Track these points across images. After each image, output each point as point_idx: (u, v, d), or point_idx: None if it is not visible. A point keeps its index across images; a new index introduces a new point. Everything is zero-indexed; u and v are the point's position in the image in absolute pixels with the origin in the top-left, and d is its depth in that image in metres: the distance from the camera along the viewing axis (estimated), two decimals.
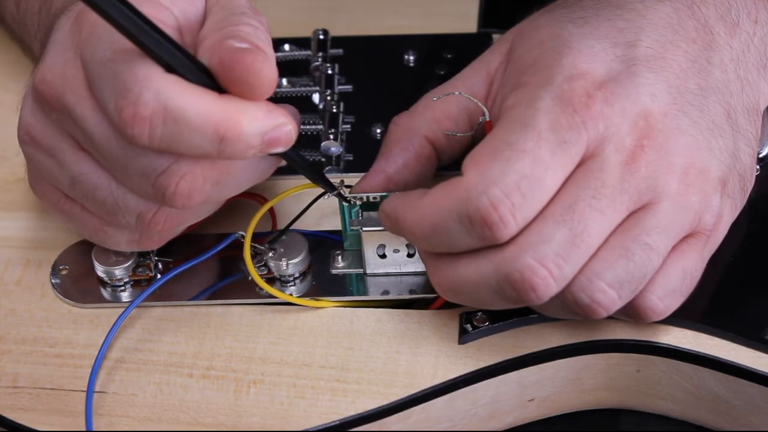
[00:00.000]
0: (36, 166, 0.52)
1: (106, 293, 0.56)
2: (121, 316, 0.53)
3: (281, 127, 0.46)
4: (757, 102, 0.52)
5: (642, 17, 0.50)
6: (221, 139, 0.45)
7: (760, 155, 0.57)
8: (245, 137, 0.46)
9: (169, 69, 0.45)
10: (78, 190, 0.50)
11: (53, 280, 0.56)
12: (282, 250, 0.55)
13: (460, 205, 0.46)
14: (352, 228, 0.55)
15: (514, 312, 0.52)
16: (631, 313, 0.49)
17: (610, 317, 0.49)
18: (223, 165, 0.48)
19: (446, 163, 0.55)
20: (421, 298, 0.55)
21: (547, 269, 0.45)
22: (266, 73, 0.45)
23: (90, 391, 0.52)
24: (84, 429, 0.51)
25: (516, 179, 0.45)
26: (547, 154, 0.45)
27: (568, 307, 0.48)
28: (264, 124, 0.46)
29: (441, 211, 0.47)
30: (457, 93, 0.52)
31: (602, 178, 0.46)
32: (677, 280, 0.49)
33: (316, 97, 0.63)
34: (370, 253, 0.55)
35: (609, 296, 0.47)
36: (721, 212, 0.49)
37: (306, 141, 0.61)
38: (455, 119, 0.53)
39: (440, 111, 0.53)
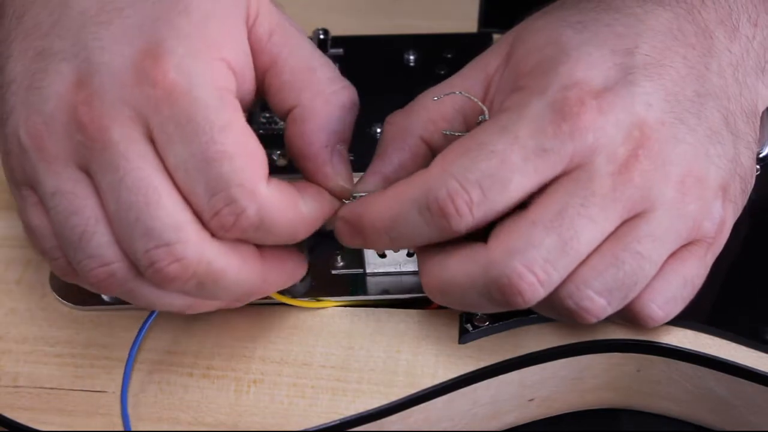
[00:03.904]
0: (20, 161, 0.47)
1: (105, 296, 0.56)
2: (148, 319, 0.53)
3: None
4: (755, 104, 0.52)
5: (641, 22, 0.49)
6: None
7: (760, 155, 0.57)
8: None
9: None
10: (53, 202, 0.46)
11: (52, 283, 0.56)
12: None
13: (421, 195, 0.47)
14: None
15: (515, 312, 0.52)
16: (630, 319, 0.50)
17: (609, 320, 0.50)
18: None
19: None
20: (421, 298, 0.55)
21: (534, 274, 0.46)
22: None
23: (124, 392, 0.52)
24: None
25: (478, 176, 0.46)
26: (517, 158, 0.46)
27: (557, 311, 0.48)
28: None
29: (402, 201, 0.47)
30: (458, 93, 0.52)
31: (592, 188, 0.46)
32: (677, 288, 0.49)
33: None
34: (370, 252, 0.55)
35: (597, 304, 0.47)
36: (723, 219, 0.49)
37: None
38: (450, 120, 0.53)
39: (436, 111, 0.53)
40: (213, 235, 0.46)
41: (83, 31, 0.46)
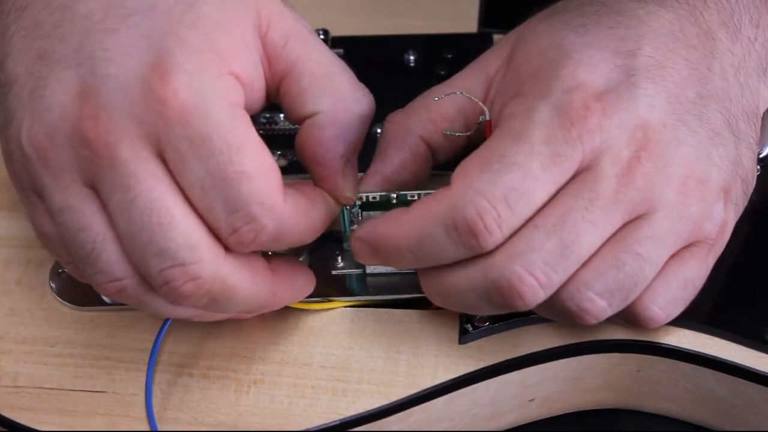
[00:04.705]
0: (25, 168, 0.47)
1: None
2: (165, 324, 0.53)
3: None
4: (757, 105, 0.52)
5: (644, 24, 0.49)
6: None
7: (761, 155, 0.57)
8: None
9: None
10: (61, 218, 0.46)
11: (52, 284, 0.56)
12: (282, 250, 0.55)
13: (447, 214, 0.46)
14: (352, 228, 0.55)
15: (515, 312, 0.52)
16: (631, 320, 0.50)
17: (610, 320, 0.50)
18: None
19: (441, 162, 0.55)
20: (421, 298, 0.55)
21: (535, 277, 0.46)
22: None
23: (149, 393, 0.52)
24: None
25: (504, 191, 0.45)
26: (538, 168, 0.46)
27: (557, 313, 0.48)
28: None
29: (428, 221, 0.47)
30: (458, 93, 0.52)
31: (596, 190, 0.46)
32: (678, 289, 0.49)
33: None
34: None
35: (598, 305, 0.47)
36: (725, 220, 0.49)
37: None
38: (451, 120, 0.53)
39: (436, 112, 0.53)
40: (226, 247, 0.46)
41: (88, 38, 0.45)
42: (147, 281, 0.46)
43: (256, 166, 0.45)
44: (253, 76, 0.47)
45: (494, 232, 0.45)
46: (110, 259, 0.46)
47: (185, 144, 0.44)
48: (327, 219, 0.50)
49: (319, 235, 0.49)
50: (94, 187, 0.45)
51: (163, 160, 0.45)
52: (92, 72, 0.45)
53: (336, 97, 0.49)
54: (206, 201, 0.45)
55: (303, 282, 0.52)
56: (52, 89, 0.45)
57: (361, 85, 0.50)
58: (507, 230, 0.46)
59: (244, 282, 0.47)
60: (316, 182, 0.50)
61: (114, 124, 0.44)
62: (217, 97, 0.44)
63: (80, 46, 0.45)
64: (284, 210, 0.46)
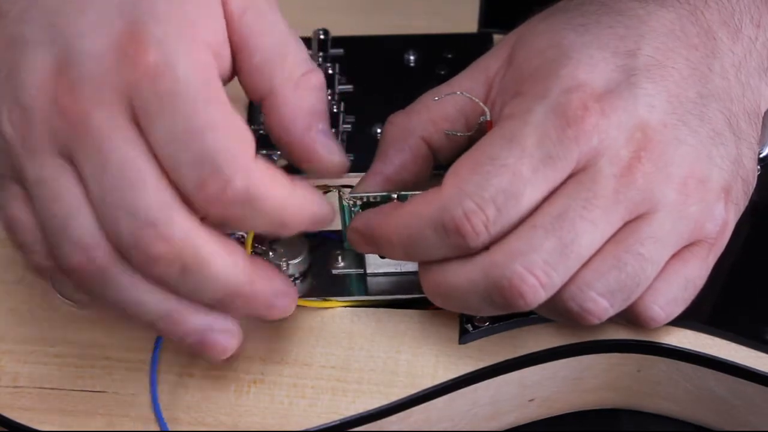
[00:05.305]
0: (5, 153, 0.46)
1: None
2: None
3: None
4: (758, 105, 0.52)
5: (644, 23, 0.49)
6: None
7: (761, 155, 0.57)
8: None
9: None
10: (36, 191, 0.46)
11: (53, 281, 0.56)
12: (282, 250, 0.55)
13: (436, 215, 0.46)
14: None
15: (515, 312, 0.52)
16: (632, 320, 0.50)
17: (611, 320, 0.50)
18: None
19: (443, 162, 0.55)
20: (422, 298, 0.55)
21: (535, 277, 0.46)
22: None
23: (154, 394, 0.52)
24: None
25: (492, 193, 0.46)
26: (527, 170, 0.46)
27: (559, 313, 0.48)
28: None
29: (418, 219, 0.47)
30: (458, 93, 0.52)
31: (594, 190, 0.46)
32: (679, 289, 0.49)
33: None
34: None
35: (600, 306, 0.47)
36: (725, 220, 0.49)
37: None
38: (452, 121, 0.53)
39: (437, 112, 0.53)
40: (201, 219, 0.45)
41: (59, 18, 0.45)
42: (118, 253, 0.45)
43: (223, 120, 0.44)
44: (221, 44, 0.47)
45: (481, 233, 0.46)
46: (82, 225, 0.45)
47: (155, 102, 0.44)
48: (311, 203, 0.47)
49: (302, 222, 0.47)
50: (72, 160, 0.45)
51: (139, 126, 0.44)
52: (67, 49, 0.45)
53: (284, 77, 0.48)
54: (174, 158, 0.44)
55: (281, 283, 0.49)
56: (26, 71, 0.45)
57: (310, 61, 0.49)
58: (495, 231, 0.46)
59: (218, 255, 0.45)
60: (302, 166, 0.49)
61: (89, 93, 0.44)
62: (188, 60, 0.44)
63: (51, 25, 0.45)
64: (254, 168, 0.44)
